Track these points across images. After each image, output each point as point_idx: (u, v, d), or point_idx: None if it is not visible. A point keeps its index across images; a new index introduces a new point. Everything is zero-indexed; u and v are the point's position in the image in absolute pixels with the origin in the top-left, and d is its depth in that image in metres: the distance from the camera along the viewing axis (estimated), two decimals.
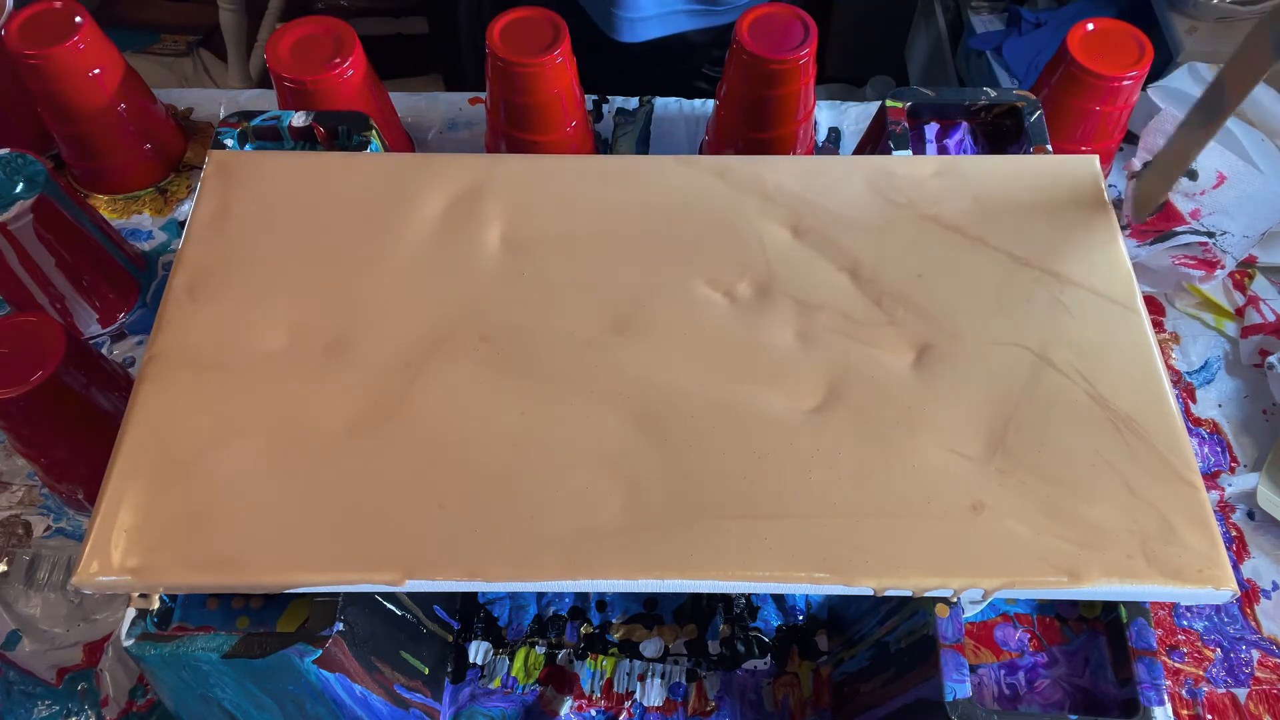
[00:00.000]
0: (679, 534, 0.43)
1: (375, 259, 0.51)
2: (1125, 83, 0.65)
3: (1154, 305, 0.70)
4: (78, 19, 0.67)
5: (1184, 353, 0.68)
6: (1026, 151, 0.59)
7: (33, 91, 0.69)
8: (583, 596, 0.59)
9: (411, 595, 0.51)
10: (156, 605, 0.44)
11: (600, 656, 0.57)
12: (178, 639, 0.43)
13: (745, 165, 0.55)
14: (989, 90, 0.61)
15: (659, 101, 0.81)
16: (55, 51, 0.66)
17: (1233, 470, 0.64)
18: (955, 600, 0.45)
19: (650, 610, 0.59)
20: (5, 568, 0.60)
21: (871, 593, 0.42)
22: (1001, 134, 0.62)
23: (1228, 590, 0.42)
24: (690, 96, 0.82)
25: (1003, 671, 0.47)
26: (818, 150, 0.78)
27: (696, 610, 0.58)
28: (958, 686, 0.44)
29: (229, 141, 0.58)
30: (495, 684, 0.56)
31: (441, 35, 1.03)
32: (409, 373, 0.47)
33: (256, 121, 0.59)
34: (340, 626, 0.44)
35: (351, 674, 0.45)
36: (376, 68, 0.71)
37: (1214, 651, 0.57)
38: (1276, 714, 0.55)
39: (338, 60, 0.66)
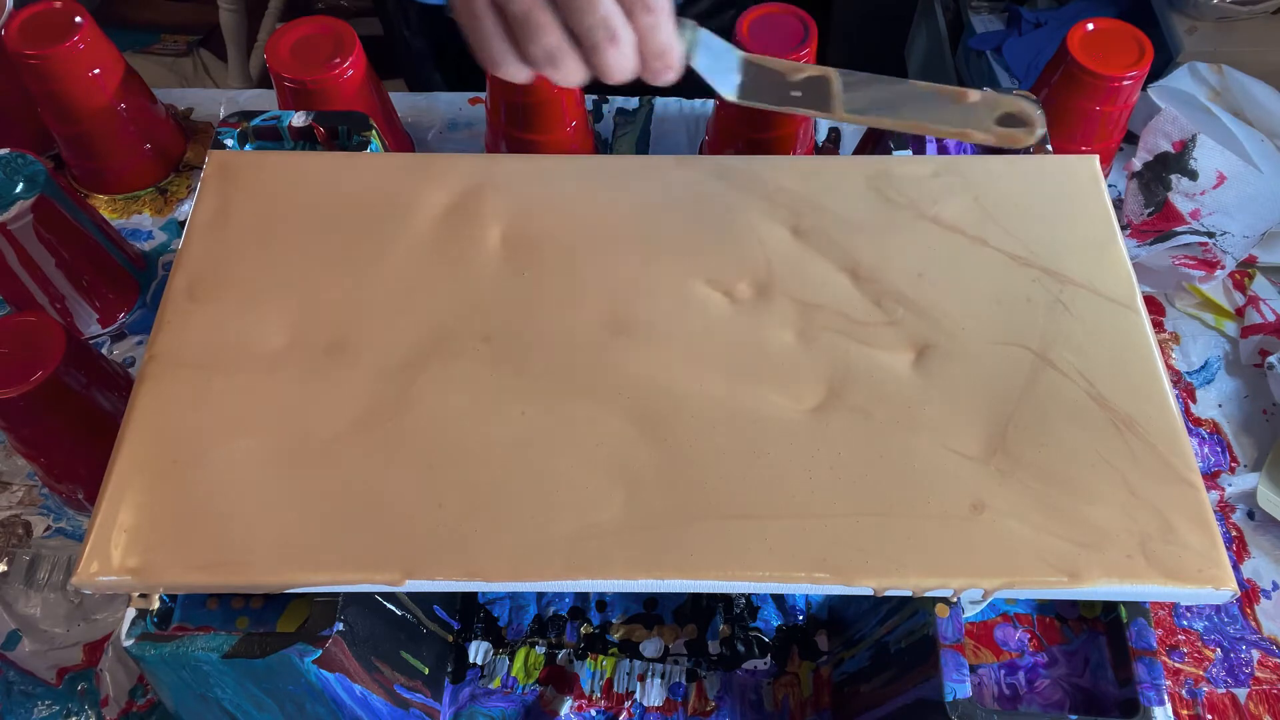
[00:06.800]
0: (679, 534, 0.43)
1: (375, 259, 0.51)
2: (1125, 83, 0.65)
3: (1154, 305, 0.70)
4: (78, 19, 0.67)
5: (1184, 353, 0.68)
6: (1026, 151, 0.59)
7: (33, 91, 0.69)
8: (583, 596, 0.59)
9: (411, 595, 0.51)
10: (156, 605, 0.44)
11: (600, 656, 0.57)
12: (178, 639, 0.43)
13: (745, 165, 0.55)
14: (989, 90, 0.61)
15: (659, 101, 0.81)
16: (55, 51, 0.66)
17: (1233, 470, 0.64)
18: (955, 600, 0.45)
19: (650, 610, 0.59)
20: (5, 568, 0.60)
21: (871, 593, 0.42)
22: None
23: (1228, 590, 0.42)
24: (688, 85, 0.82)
25: (1003, 671, 0.47)
26: (818, 150, 0.78)
27: (696, 610, 0.58)
28: (958, 686, 0.44)
29: (229, 141, 0.58)
30: (495, 684, 0.56)
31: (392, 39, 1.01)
32: (409, 373, 0.47)
33: (256, 121, 0.59)
34: (340, 626, 0.44)
35: (351, 674, 0.45)
36: (377, 68, 0.71)
37: (1214, 651, 0.57)
38: (1276, 714, 0.55)
39: (338, 60, 0.66)
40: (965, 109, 0.49)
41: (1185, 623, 0.58)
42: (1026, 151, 0.59)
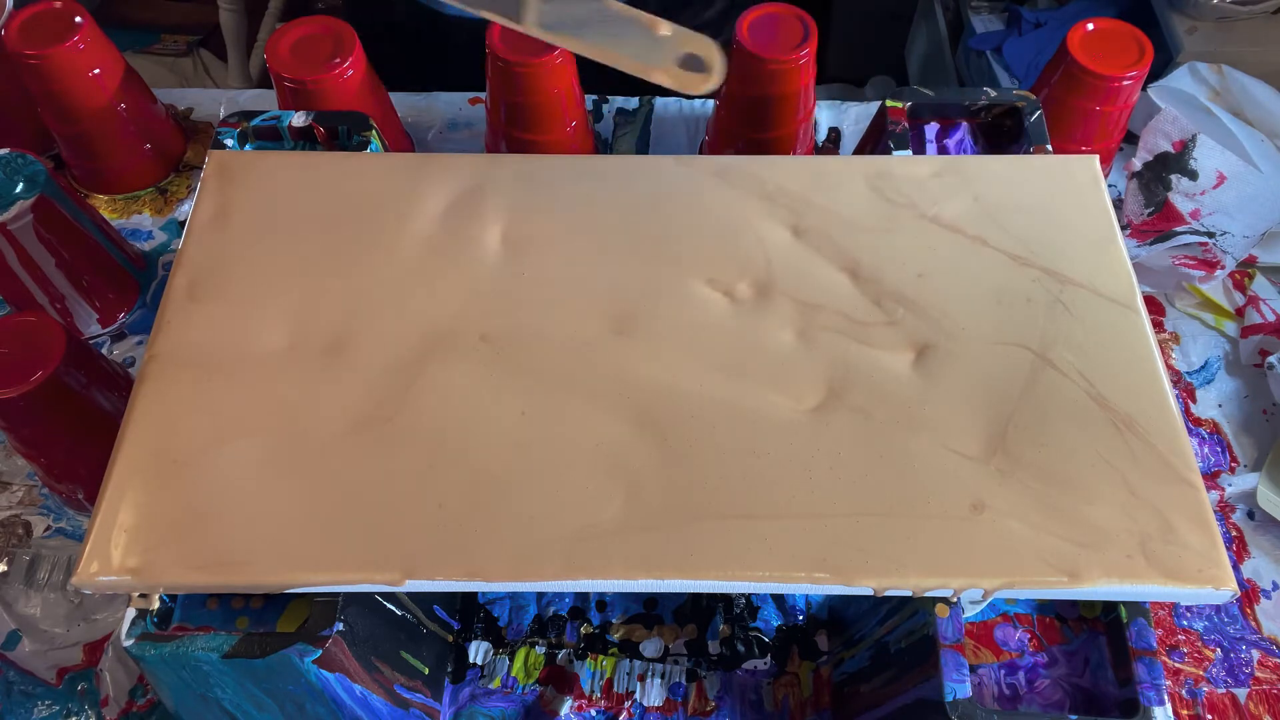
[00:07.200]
0: (679, 534, 0.43)
1: (375, 259, 0.51)
2: (1125, 83, 0.65)
3: (1154, 305, 0.70)
4: (78, 19, 0.67)
5: (1184, 353, 0.68)
6: (1026, 151, 0.59)
7: (33, 91, 0.69)
8: (583, 596, 0.59)
9: (411, 595, 0.51)
10: (156, 605, 0.44)
11: (600, 656, 0.57)
12: (178, 639, 0.43)
13: (745, 165, 0.55)
14: (989, 90, 0.61)
15: (659, 101, 0.81)
16: (55, 51, 0.66)
17: (1233, 470, 0.64)
18: (955, 600, 0.45)
19: (650, 610, 0.59)
20: (5, 568, 0.60)
21: (871, 593, 0.42)
22: (1001, 134, 0.62)
23: (1228, 590, 0.42)
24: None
25: (1003, 671, 0.47)
26: (818, 150, 0.78)
27: (696, 610, 0.58)
28: (958, 686, 0.44)
29: (229, 141, 0.58)
30: (495, 684, 0.56)
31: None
32: (409, 373, 0.47)
33: (256, 121, 0.59)
34: (340, 626, 0.44)
35: (351, 674, 0.45)
36: (376, 67, 0.71)
37: (1214, 651, 0.57)
38: (1276, 714, 0.55)
39: (338, 60, 0.66)
40: (654, 40, 0.49)
41: (1185, 623, 0.58)
42: (1027, 151, 0.59)
